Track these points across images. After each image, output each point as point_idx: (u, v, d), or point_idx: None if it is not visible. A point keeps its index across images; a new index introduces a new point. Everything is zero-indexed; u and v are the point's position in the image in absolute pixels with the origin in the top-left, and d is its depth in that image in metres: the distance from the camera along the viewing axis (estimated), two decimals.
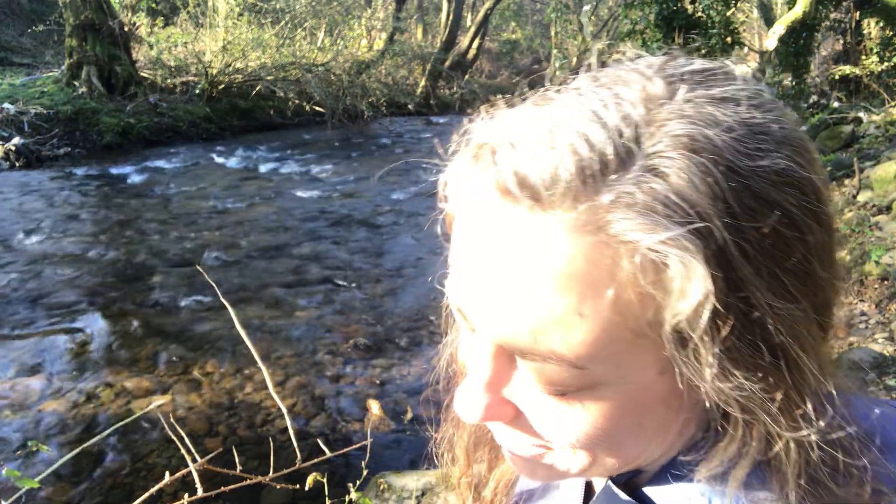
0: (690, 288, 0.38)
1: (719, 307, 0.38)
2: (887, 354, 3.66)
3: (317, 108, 14.78)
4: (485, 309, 0.43)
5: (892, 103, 9.48)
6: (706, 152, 0.39)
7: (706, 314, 0.39)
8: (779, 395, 0.42)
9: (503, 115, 0.45)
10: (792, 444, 0.43)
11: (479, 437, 0.70)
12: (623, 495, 0.51)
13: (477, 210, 0.43)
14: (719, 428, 0.46)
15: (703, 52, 8.83)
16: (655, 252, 0.38)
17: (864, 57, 12.19)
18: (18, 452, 3.21)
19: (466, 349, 0.50)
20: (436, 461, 0.75)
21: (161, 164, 10.37)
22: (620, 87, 0.42)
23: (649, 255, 0.38)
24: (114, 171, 9.81)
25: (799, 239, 0.41)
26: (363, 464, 1.66)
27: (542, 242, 0.40)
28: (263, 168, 10.37)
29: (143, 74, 13.61)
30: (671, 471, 0.49)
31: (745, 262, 0.39)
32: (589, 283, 0.39)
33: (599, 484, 0.58)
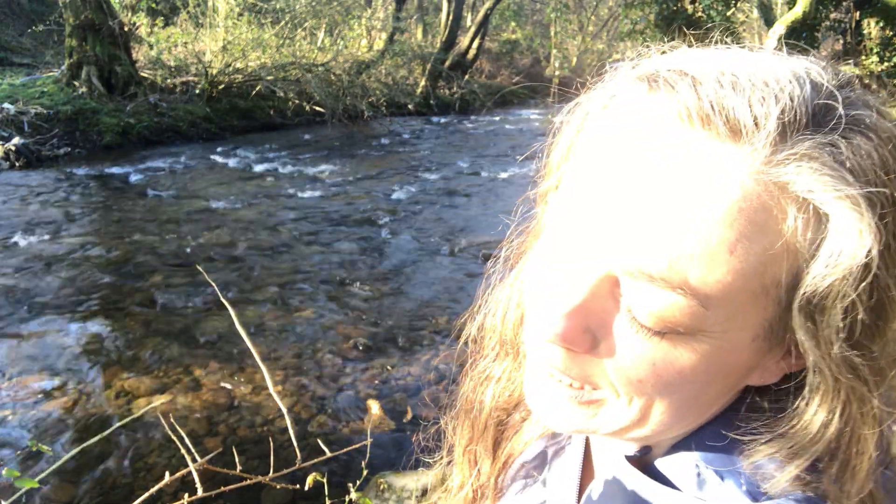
0: (851, 250, 0.40)
1: (870, 276, 0.40)
2: None
3: (317, 108, 14.77)
4: (619, 230, 0.44)
5: (893, 103, 9.47)
6: (886, 136, 0.42)
7: (856, 281, 0.40)
8: (877, 381, 0.43)
9: (692, 53, 0.47)
10: (869, 442, 0.44)
11: (478, 437, 0.72)
12: (638, 472, 0.51)
13: (639, 132, 0.44)
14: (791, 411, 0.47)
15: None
16: (826, 210, 0.41)
17: (864, 57, 12.18)
18: (18, 452, 3.21)
19: (542, 281, 0.50)
20: (427, 456, 0.76)
21: (161, 164, 10.37)
22: (810, 63, 0.45)
23: (819, 211, 0.41)
24: (114, 171, 9.81)
25: None
26: (363, 464, 1.66)
27: (724, 173, 0.41)
28: (263, 168, 10.37)
29: (143, 74, 13.61)
30: (682, 447, 0.50)
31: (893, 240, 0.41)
32: (753, 224, 0.41)
33: (599, 467, 0.58)
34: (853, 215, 0.40)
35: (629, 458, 0.52)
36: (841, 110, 0.42)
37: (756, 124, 0.41)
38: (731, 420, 0.49)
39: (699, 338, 0.44)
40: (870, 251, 0.40)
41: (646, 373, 0.45)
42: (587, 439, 0.62)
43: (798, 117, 0.41)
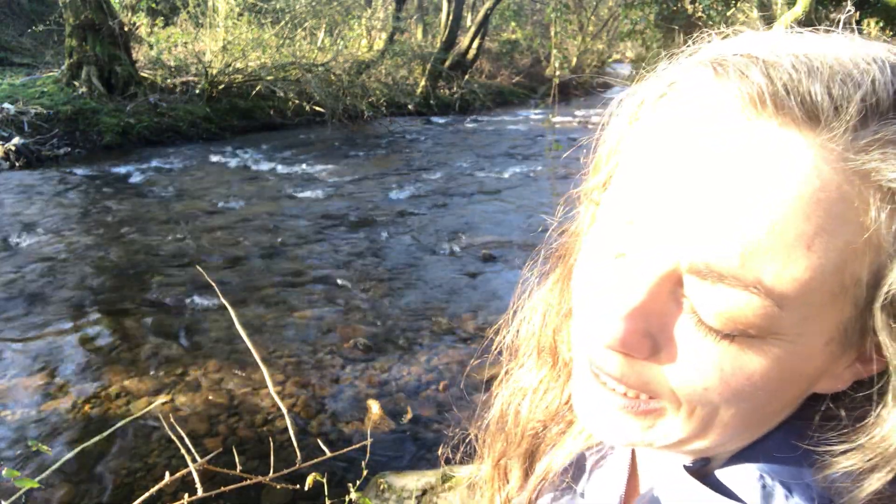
0: None
1: None
2: None
3: (317, 108, 14.77)
4: (685, 222, 0.41)
5: None
6: None
7: None
8: None
9: (761, 37, 0.44)
10: None
11: (513, 448, 0.68)
12: (698, 483, 0.47)
13: (704, 118, 0.42)
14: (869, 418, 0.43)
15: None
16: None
17: None
18: (18, 452, 3.21)
19: (593, 281, 0.47)
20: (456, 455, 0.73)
21: (161, 164, 10.37)
22: (889, 47, 0.43)
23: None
24: (114, 171, 9.81)
25: None
26: (363, 464, 1.66)
27: (800, 160, 0.38)
28: (263, 168, 10.37)
29: (143, 74, 13.61)
30: (745, 458, 0.47)
31: None
32: (833, 216, 0.38)
33: (645, 479, 0.55)
34: None
35: (687, 469, 0.49)
36: None
37: (836, 109, 0.38)
38: (800, 429, 0.46)
39: (771, 341, 0.40)
40: None
41: (712, 380, 0.42)
42: (633, 450, 0.58)
43: (880, 102, 0.39)
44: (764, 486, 0.44)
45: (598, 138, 0.52)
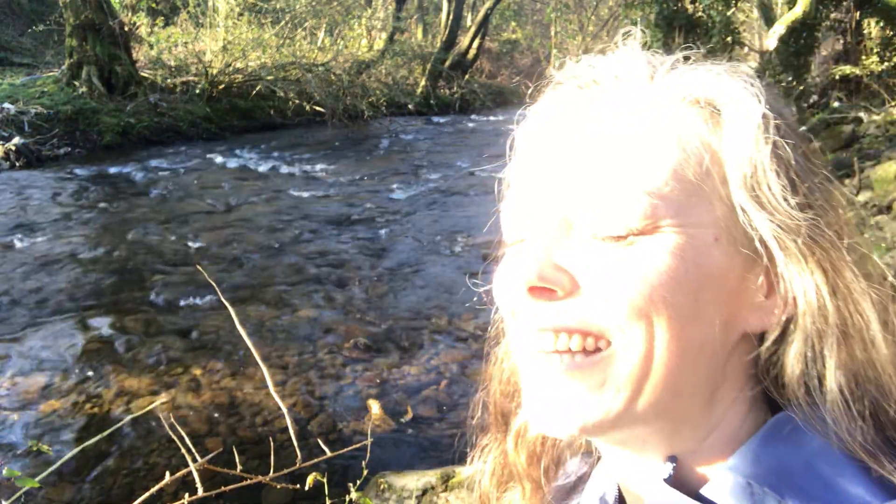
0: (746, 113, 0.48)
1: (772, 133, 0.47)
2: None
3: (317, 108, 14.77)
4: (561, 180, 0.50)
5: (893, 103, 9.47)
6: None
7: (764, 143, 0.47)
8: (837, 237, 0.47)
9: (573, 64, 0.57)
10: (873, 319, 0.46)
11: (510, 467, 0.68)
12: (681, 495, 0.47)
13: (555, 108, 0.54)
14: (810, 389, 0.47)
15: (704, 51, 8.83)
16: (714, 96, 0.49)
17: (864, 57, 12.18)
18: (18, 452, 3.21)
19: (506, 265, 0.54)
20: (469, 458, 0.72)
21: (161, 164, 10.37)
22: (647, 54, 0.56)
23: (712, 102, 0.49)
24: (114, 171, 9.81)
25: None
26: (363, 464, 1.66)
27: (628, 102, 0.50)
28: (263, 168, 10.37)
29: (143, 74, 13.61)
30: (729, 468, 0.47)
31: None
32: (662, 126, 0.48)
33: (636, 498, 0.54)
34: (737, 84, 0.49)
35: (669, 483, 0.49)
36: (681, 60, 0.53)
37: (635, 69, 0.52)
38: (778, 431, 0.47)
39: (661, 234, 0.46)
40: (762, 112, 0.47)
41: (630, 280, 0.46)
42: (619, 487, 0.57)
43: (658, 62, 0.53)
44: (752, 494, 0.44)
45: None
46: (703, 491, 0.47)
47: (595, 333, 0.47)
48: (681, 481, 0.48)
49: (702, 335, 0.46)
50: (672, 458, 0.49)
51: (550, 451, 0.65)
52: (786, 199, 0.46)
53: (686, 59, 0.53)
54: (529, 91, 0.60)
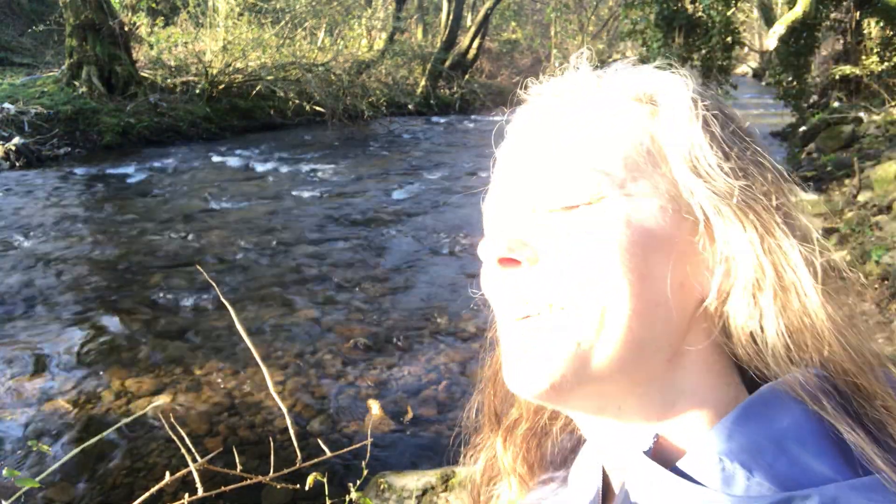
0: (676, 94, 0.55)
1: (700, 108, 0.53)
2: (887, 354, 3.65)
3: (317, 108, 14.78)
4: (531, 164, 0.57)
5: (892, 103, 9.47)
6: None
7: (696, 118, 0.53)
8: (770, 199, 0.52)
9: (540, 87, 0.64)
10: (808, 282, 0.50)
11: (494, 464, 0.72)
12: (663, 470, 0.49)
13: (519, 118, 0.62)
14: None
15: (704, 51, 8.84)
16: (650, 91, 0.56)
17: (864, 57, 12.18)
18: (18, 452, 3.21)
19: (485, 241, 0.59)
20: (461, 459, 0.76)
21: (161, 164, 10.37)
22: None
23: (647, 91, 0.56)
24: (114, 171, 9.81)
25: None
26: (363, 464, 1.66)
27: (581, 104, 0.58)
28: (263, 168, 10.37)
29: (143, 74, 13.61)
30: (706, 442, 0.49)
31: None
32: (608, 119, 0.55)
33: (616, 476, 0.57)
34: (669, 77, 0.56)
35: (649, 455, 0.51)
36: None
37: (583, 80, 0.60)
38: (741, 418, 0.49)
39: (608, 202, 0.51)
40: (690, 97, 0.54)
41: (580, 244, 0.51)
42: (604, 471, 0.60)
43: (604, 72, 0.60)
44: (724, 469, 0.46)
45: None
46: (679, 464, 0.49)
47: (557, 297, 0.52)
48: (661, 455, 0.51)
49: (654, 292, 0.50)
50: (655, 436, 0.52)
51: (535, 450, 0.69)
52: (720, 167, 0.51)
53: (629, 65, 0.60)
54: (507, 112, 0.66)
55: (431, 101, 18.84)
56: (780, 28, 10.38)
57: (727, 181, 0.51)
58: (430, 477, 2.67)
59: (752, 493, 0.45)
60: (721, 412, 0.51)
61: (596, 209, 0.52)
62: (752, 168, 0.52)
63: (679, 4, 8.28)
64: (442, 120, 17.10)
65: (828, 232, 5.40)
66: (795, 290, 0.49)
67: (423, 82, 19.31)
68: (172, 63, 14.32)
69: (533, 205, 0.55)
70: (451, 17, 20.52)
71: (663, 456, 0.51)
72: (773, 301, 0.50)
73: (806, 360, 0.49)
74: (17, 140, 10.00)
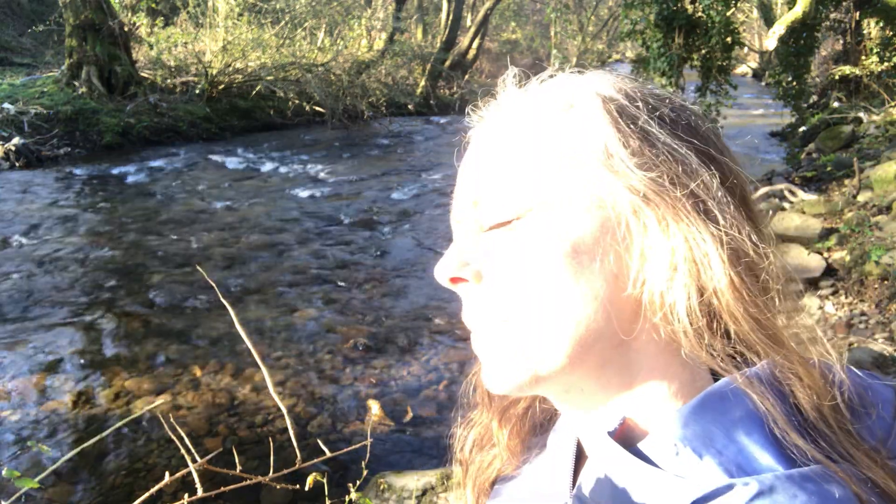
0: (587, 99, 0.57)
1: (616, 107, 0.56)
2: (887, 354, 3.66)
3: (317, 108, 14.78)
4: (466, 182, 0.61)
5: (892, 103, 9.47)
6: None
7: (609, 116, 0.55)
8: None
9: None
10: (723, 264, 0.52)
11: (484, 437, 0.76)
12: (623, 451, 0.53)
13: (471, 139, 0.65)
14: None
15: (704, 51, 8.84)
16: (569, 98, 0.58)
17: (864, 57, 12.18)
18: (18, 452, 3.21)
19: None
20: (450, 457, 0.81)
21: (161, 164, 10.37)
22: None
23: (566, 98, 0.58)
24: (114, 171, 9.81)
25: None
26: (363, 464, 1.66)
27: (507, 119, 0.61)
28: (263, 168, 10.37)
29: (143, 74, 13.61)
30: (666, 428, 0.52)
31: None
32: (528, 130, 0.58)
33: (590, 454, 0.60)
34: (584, 80, 0.59)
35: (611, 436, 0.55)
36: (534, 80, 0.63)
37: (510, 97, 0.63)
38: (697, 408, 0.52)
39: (536, 215, 0.54)
40: (601, 98, 0.56)
41: (514, 257, 0.55)
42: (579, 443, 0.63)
43: (530, 85, 0.63)
44: (678, 454, 0.50)
45: None
46: (640, 445, 0.53)
47: (501, 311, 0.56)
48: (626, 436, 0.55)
49: (588, 291, 0.53)
50: (622, 418, 0.56)
51: (527, 424, 0.74)
52: (630, 161, 0.53)
53: (552, 76, 0.63)
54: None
55: (431, 102, 18.84)
56: (779, 28, 10.37)
57: (637, 174, 0.53)
58: (430, 477, 2.67)
59: (700, 478, 0.49)
60: (682, 390, 0.55)
61: (525, 223, 0.55)
62: (662, 157, 0.54)
63: (679, 4, 8.28)
64: (442, 120, 17.09)
65: (827, 232, 5.40)
66: (705, 273, 0.52)
67: (422, 82, 19.31)
68: (172, 63, 14.32)
69: (474, 224, 0.59)
70: (450, 17, 20.52)
71: (628, 436, 0.55)
72: (683, 283, 0.52)
73: (716, 344, 0.52)
74: (17, 140, 10.00)
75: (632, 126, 0.55)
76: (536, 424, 0.74)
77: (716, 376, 0.56)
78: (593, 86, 0.59)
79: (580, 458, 0.62)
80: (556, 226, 0.54)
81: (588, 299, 0.53)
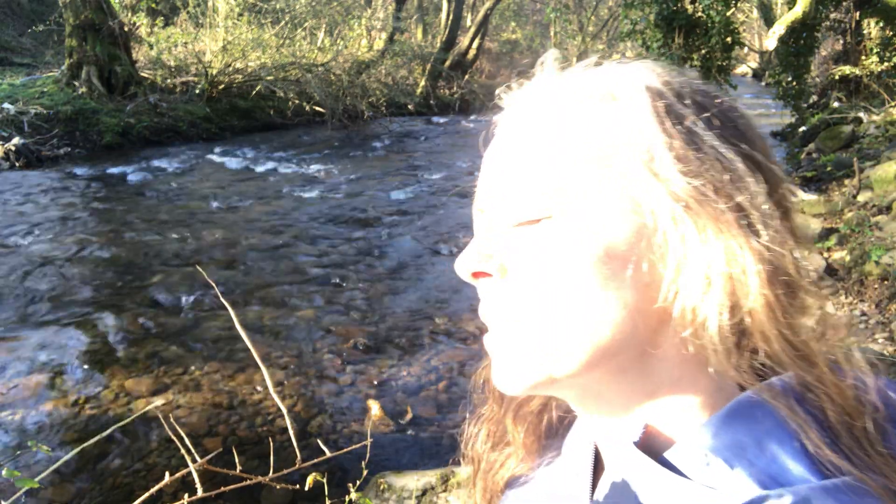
0: (637, 110, 0.52)
1: (664, 104, 0.52)
2: (887, 354, 3.66)
3: (317, 108, 14.78)
4: (494, 173, 0.58)
5: (892, 103, 9.47)
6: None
7: (654, 114, 0.51)
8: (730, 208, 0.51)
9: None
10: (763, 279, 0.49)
11: (497, 436, 0.74)
12: (652, 462, 0.51)
13: (498, 126, 0.61)
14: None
15: (704, 51, 8.84)
16: (609, 89, 0.55)
17: (864, 57, 12.18)
18: (18, 452, 3.21)
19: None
20: (459, 453, 0.78)
21: (161, 164, 10.37)
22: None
23: (605, 91, 0.55)
24: (114, 171, 9.81)
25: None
26: (363, 464, 1.66)
27: (540, 108, 0.58)
28: (263, 168, 10.37)
29: (143, 74, 13.61)
30: (696, 437, 0.51)
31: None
32: (565, 122, 0.54)
33: (609, 463, 0.58)
34: (629, 72, 0.55)
35: (638, 446, 0.53)
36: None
37: (547, 82, 0.60)
38: (727, 418, 0.50)
39: (568, 213, 0.52)
40: (649, 94, 0.53)
41: (542, 256, 0.52)
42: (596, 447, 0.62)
43: (570, 70, 0.60)
44: (708, 464, 0.49)
45: None
46: (667, 454, 0.51)
47: (524, 309, 0.54)
48: (649, 443, 0.53)
49: (617, 297, 0.51)
50: (644, 426, 0.54)
51: (543, 422, 0.71)
52: (675, 166, 0.50)
53: (597, 63, 0.59)
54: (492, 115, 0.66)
55: (431, 102, 18.84)
56: (779, 28, 10.37)
57: (681, 180, 0.50)
58: (430, 477, 2.67)
59: (732, 489, 0.47)
60: (708, 401, 0.53)
61: (556, 222, 0.52)
62: (708, 163, 0.51)
63: (679, 4, 8.28)
64: (442, 120, 17.09)
65: (827, 232, 5.40)
66: (740, 290, 0.49)
67: (422, 82, 19.31)
68: (172, 63, 14.32)
69: (501, 218, 0.56)
70: (450, 17, 20.52)
71: (652, 444, 0.53)
72: (718, 300, 0.49)
73: (744, 363, 0.50)
74: (16, 140, 10.00)
75: (679, 126, 0.52)
76: (553, 423, 0.72)
77: (741, 387, 0.54)
78: (641, 78, 0.55)
79: (597, 463, 0.61)
80: (590, 227, 0.51)
81: (617, 307, 0.51)
